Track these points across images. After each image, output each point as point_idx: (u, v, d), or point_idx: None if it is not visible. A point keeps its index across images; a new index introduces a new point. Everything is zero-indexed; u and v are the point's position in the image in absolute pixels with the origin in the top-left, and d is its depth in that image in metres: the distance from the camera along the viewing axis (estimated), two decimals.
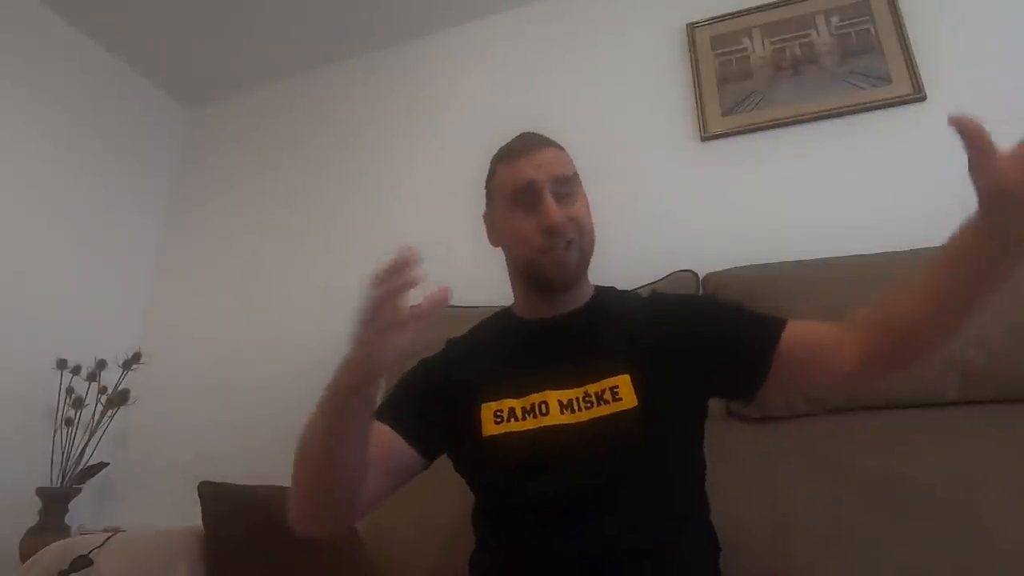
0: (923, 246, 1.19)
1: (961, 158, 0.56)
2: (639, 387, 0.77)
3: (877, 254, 1.21)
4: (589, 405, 0.77)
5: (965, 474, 0.95)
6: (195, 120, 2.38)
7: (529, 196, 0.81)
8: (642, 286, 1.25)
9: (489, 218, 0.92)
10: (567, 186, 0.83)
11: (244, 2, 1.94)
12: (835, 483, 0.98)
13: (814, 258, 1.25)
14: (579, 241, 0.83)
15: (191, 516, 1.00)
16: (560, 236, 0.80)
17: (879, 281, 1.13)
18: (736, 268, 1.30)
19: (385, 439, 0.78)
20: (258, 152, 2.20)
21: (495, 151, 0.91)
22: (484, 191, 0.93)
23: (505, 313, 0.94)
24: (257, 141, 2.22)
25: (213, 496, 1.00)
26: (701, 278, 1.34)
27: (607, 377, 0.78)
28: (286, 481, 1.26)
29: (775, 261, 1.27)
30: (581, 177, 0.89)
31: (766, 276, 1.24)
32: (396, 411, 0.83)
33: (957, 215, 0.62)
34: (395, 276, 0.53)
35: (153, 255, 2.16)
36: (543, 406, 0.79)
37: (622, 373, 0.78)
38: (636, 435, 0.75)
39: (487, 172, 0.91)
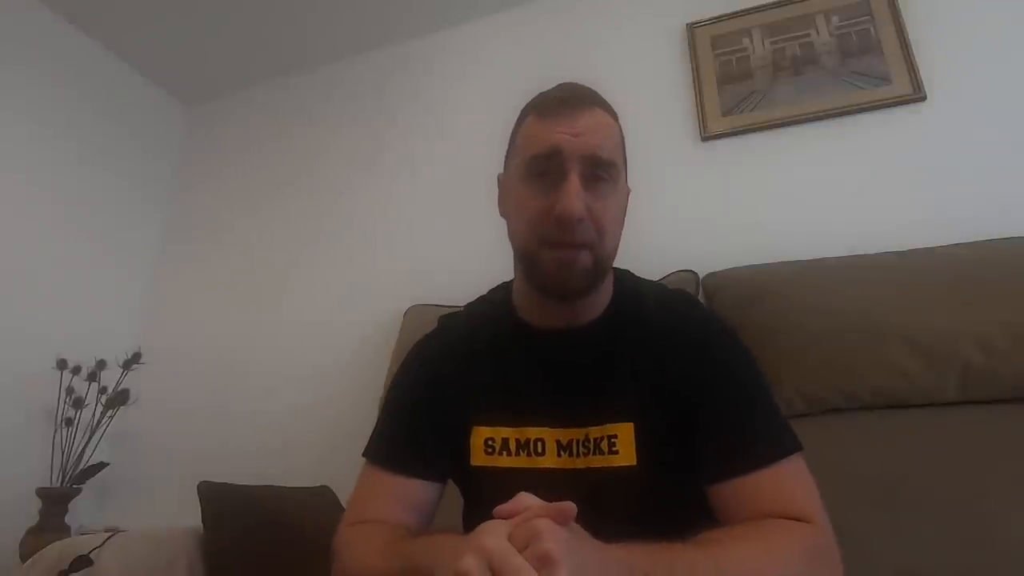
0: (923, 246, 1.19)
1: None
2: (641, 442, 0.67)
3: (877, 254, 1.21)
4: (587, 451, 0.69)
5: (965, 474, 0.94)
6: (195, 119, 2.38)
7: (549, 168, 0.65)
8: (655, 280, 1.24)
9: (503, 180, 0.76)
10: (603, 171, 0.66)
11: (244, 2, 1.94)
12: (834, 483, 0.97)
13: (814, 258, 1.25)
14: (598, 247, 0.66)
15: (191, 516, 1.00)
16: (571, 233, 0.64)
17: (879, 281, 1.15)
18: (736, 268, 1.30)
19: (404, 490, 0.73)
20: (258, 151, 2.20)
21: (526, 104, 0.74)
22: (507, 143, 0.76)
23: (507, 306, 0.79)
24: (257, 140, 2.22)
25: (213, 496, 1.01)
26: (701, 278, 1.34)
27: (611, 422, 0.68)
28: (285, 481, 1.26)
29: (775, 261, 1.27)
30: (626, 160, 0.74)
31: (766, 276, 1.24)
32: (396, 452, 0.75)
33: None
34: None
35: (153, 255, 2.16)
36: (539, 444, 0.71)
37: (627, 420, 0.68)
38: (632, 497, 0.67)
39: (516, 119, 0.74)
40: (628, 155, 0.74)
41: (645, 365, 0.70)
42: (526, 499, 0.49)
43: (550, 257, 0.66)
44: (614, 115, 0.72)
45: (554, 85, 0.75)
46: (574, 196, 0.63)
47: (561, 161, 0.65)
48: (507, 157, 0.75)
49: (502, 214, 0.75)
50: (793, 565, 0.55)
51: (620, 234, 0.71)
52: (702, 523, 0.62)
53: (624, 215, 0.73)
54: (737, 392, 0.68)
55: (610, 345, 0.72)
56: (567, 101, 0.68)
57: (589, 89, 0.73)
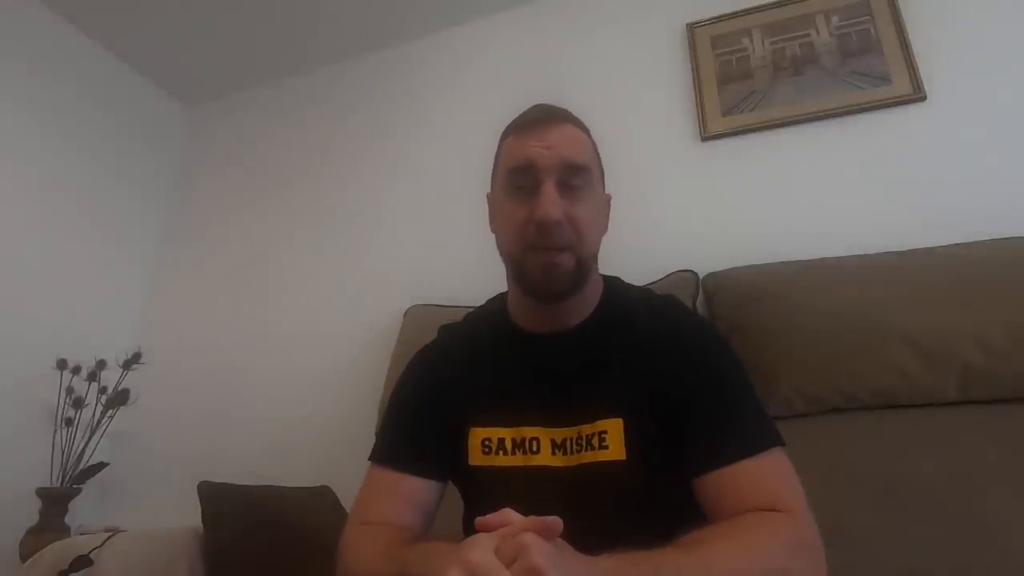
0: (923, 246, 1.19)
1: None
2: (630, 437, 0.70)
3: (877, 254, 1.21)
4: (579, 448, 0.71)
5: (965, 474, 0.94)
6: (195, 119, 2.38)
7: (527, 180, 0.70)
8: (643, 286, 1.25)
9: (490, 197, 0.81)
10: (577, 177, 0.71)
11: (244, 3, 1.94)
12: (834, 483, 0.98)
13: (814, 258, 1.25)
14: (578, 248, 0.70)
15: (191, 516, 1.00)
16: (551, 236, 0.68)
17: (879, 281, 1.15)
18: (736, 268, 1.30)
19: (407, 488, 0.76)
20: (258, 151, 2.20)
21: (506, 127, 0.79)
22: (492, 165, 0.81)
23: (503, 314, 0.83)
24: (257, 140, 2.22)
25: (213, 496, 1.01)
26: (701, 278, 1.34)
27: (601, 419, 0.71)
28: (286, 481, 1.26)
29: (775, 261, 1.27)
30: (603, 170, 0.78)
31: (765, 276, 1.24)
32: (399, 452, 0.78)
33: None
34: None
35: (153, 255, 2.16)
36: (534, 443, 0.73)
37: (616, 417, 0.71)
38: (624, 491, 0.69)
39: (498, 141, 0.80)
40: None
41: (635, 366, 0.73)
42: (509, 514, 0.50)
43: (535, 262, 0.70)
44: (586, 129, 0.78)
45: (530, 106, 0.80)
46: (550, 202, 0.68)
47: (536, 172, 0.70)
48: (492, 175, 0.81)
49: (492, 230, 0.80)
50: (776, 559, 0.56)
51: (600, 237, 0.76)
52: (691, 522, 0.63)
53: (605, 219, 0.79)
54: (727, 395, 0.71)
55: (599, 347, 0.75)
56: (540, 119, 0.74)
57: (561, 108, 0.79)
